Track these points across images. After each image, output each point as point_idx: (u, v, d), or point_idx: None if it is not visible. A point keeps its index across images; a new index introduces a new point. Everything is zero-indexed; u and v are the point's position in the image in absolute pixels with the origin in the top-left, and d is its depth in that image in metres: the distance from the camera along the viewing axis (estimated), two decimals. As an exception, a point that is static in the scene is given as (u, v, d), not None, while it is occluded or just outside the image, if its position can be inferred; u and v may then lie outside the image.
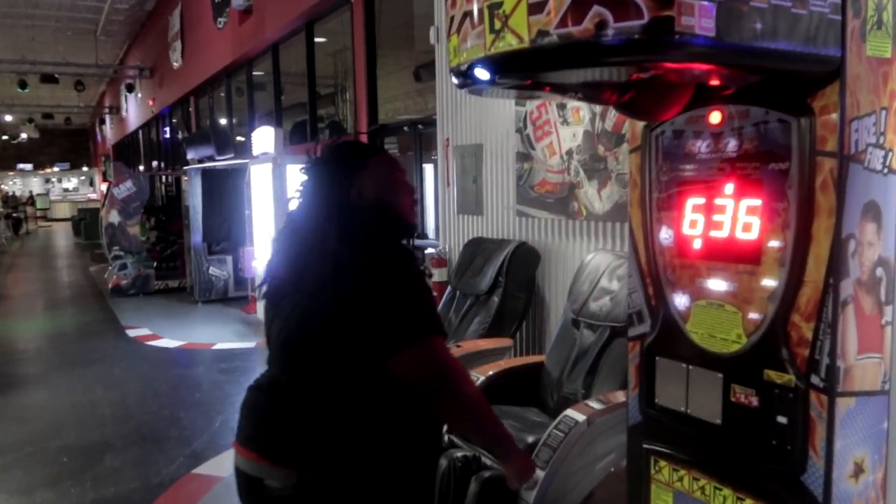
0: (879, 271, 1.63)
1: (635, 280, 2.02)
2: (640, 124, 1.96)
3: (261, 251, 7.22)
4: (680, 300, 1.89)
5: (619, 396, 2.66)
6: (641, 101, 1.59)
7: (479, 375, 3.09)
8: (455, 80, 1.55)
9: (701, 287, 1.83)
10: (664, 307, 1.93)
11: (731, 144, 1.72)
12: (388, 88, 7.21)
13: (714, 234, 1.79)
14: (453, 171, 4.73)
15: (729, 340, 1.76)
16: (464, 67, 1.45)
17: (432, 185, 6.01)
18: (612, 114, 3.35)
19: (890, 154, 1.61)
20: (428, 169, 6.06)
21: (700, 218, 1.82)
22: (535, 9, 1.25)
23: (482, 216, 4.44)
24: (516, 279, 3.78)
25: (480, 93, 1.71)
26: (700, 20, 1.25)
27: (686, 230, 1.86)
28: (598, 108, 3.43)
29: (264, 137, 7.10)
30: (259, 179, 7.18)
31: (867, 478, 1.69)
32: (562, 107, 3.68)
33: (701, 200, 1.82)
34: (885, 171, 1.60)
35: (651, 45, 1.27)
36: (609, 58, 1.28)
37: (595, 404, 2.60)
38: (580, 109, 3.55)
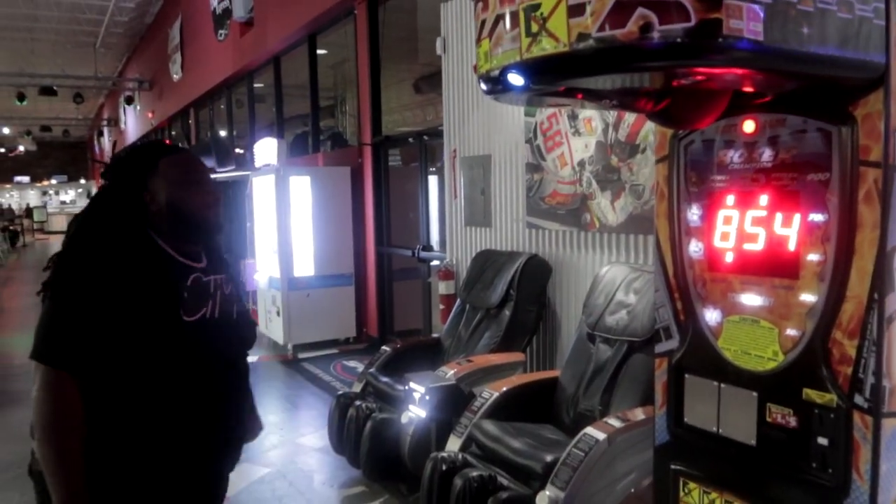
0: (923, 286, 1.56)
1: (663, 294, 1.95)
2: (668, 133, 1.90)
3: (262, 263, 7.14)
4: (711, 315, 1.82)
5: (639, 414, 2.59)
6: (677, 109, 1.53)
7: (493, 392, 3.02)
8: (484, 87, 1.49)
9: (734, 302, 1.76)
10: (694, 323, 1.87)
11: (766, 154, 1.66)
12: (388, 101, 7.17)
13: (748, 246, 1.72)
14: (461, 182, 4.68)
15: (764, 358, 1.70)
16: (495, 73, 1.39)
17: (436, 196, 5.96)
18: (626, 124, 3.30)
19: (933, 164, 1.55)
20: (432, 180, 6.01)
21: (732, 230, 1.76)
22: (575, 11, 1.20)
23: (490, 228, 4.38)
24: (528, 292, 3.72)
25: (509, 100, 1.65)
26: (748, 23, 1.19)
27: (718, 243, 1.80)
28: (611, 119, 3.38)
29: (266, 149, 7.04)
30: (260, 191, 7.12)
31: (911, 501, 1.62)
32: (573, 117, 3.63)
33: (734, 212, 1.75)
34: (929, 181, 1.54)
35: (696, 49, 1.21)
36: (652, 62, 1.23)
37: (615, 422, 2.53)
38: (592, 120, 3.50)
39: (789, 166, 1.61)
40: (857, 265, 1.50)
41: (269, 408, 5.22)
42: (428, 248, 5.68)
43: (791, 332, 1.64)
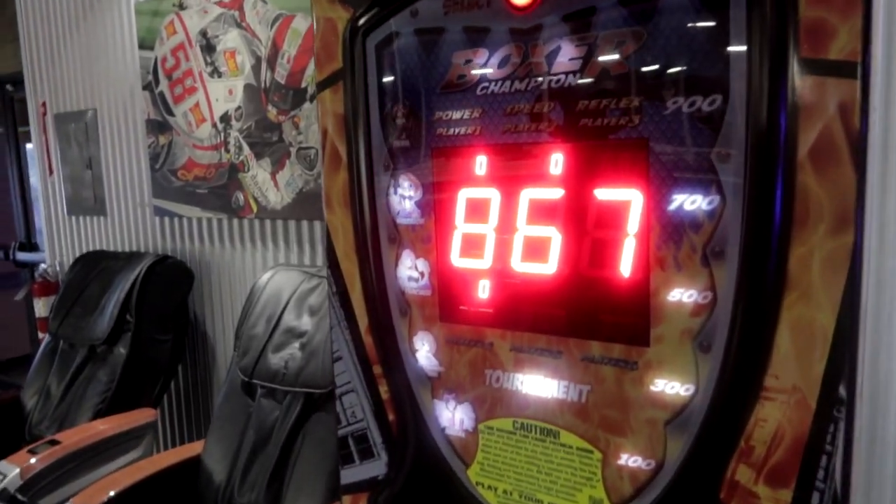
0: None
1: (349, 366, 0.93)
2: (340, 22, 0.86)
3: None
4: (451, 416, 0.85)
5: (327, 524, 1.57)
6: None
7: (78, 509, 1.75)
8: None
9: (500, 391, 0.81)
10: (417, 429, 0.88)
11: (565, 56, 0.71)
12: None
13: (527, 268, 0.77)
14: (55, 151, 3.17)
15: (573, 512, 0.77)
16: None
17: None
18: (286, 58, 2.21)
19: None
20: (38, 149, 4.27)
21: (490, 232, 0.80)
22: None
23: (106, 217, 2.99)
24: (155, 314, 2.46)
25: None
26: None
27: (458, 260, 0.82)
28: (263, 51, 2.26)
29: None
30: None
31: None
32: (209, 49, 2.43)
33: (492, 192, 0.79)
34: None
35: None
36: None
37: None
38: (236, 53, 2.35)
39: (619, 85, 0.68)
40: (793, 311, 0.62)
41: None
42: (29, 246, 4.00)
43: (632, 460, 0.73)
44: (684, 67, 0.64)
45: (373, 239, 0.87)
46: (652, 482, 0.72)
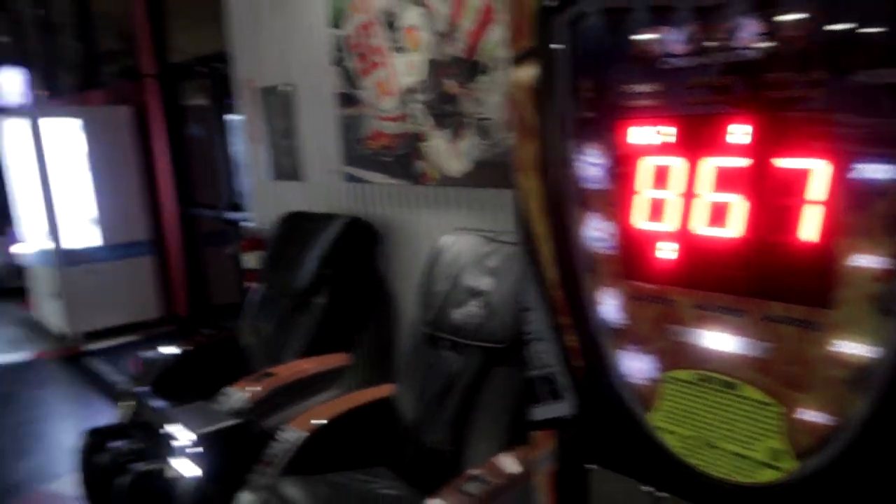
0: None
1: (540, 318, 1.04)
2: (530, 7, 0.95)
3: (30, 233, 5.60)
4: (635, 365, 0.93)
5: (509, 465, 1.72)
6: None
7: (297, 432, 2.03)
8: None
9: (681, 344, 0.88)
10: (602, 374, 0.97)
11: (748, 33, 0.75)
12: (201, 15, 5.61)
13: (710, 232, 0.83)
14: (260, 123, 3.54)
15: (752, 460, 0.83)
16: None
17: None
18: (461, 32, 2.33)
19: None
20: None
21: (675, 198, 0.86)
22: None
23: (305, 182, 3.32)
24: (349, 269, 2.73)
25: None
26: None
27: (644, 223, 0.89)
28: (441, 25, 2.39)
29: (8, 83, 5.38)
30: (15, 140, 5.48)
31: None
32: (391, 26, 2.60)
33: (677, 161, 0.85)
34: None
35: None
36: None
37: (474, 485, 1.65)
38: (417, 29, 2.50)
39: (802, 59, 0.71)
40: None
41: (17, 434, 3.81)
42: (236, 206, 4.51)
43: (813, 415, 0.77)
44: (871, 40, 0.66)
45: (562, 202, 0.96)
46: (834, 437, 0.76)
